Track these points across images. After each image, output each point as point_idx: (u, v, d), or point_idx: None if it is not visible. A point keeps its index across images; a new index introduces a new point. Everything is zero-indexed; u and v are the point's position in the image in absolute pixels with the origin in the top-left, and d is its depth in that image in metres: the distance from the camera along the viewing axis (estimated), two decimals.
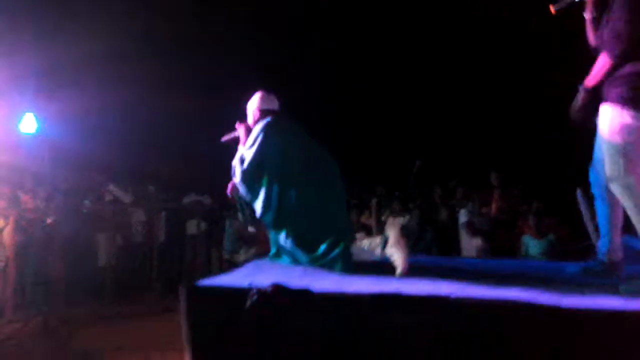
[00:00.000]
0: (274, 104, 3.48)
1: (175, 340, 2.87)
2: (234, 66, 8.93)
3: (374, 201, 7.75)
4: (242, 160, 3.29)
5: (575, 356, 2.02)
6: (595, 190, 2.87)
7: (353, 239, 3.17)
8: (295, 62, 9.23)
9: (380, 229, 3.45)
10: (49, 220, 6.89)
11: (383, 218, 7.07)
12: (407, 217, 6.98)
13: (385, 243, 3.00)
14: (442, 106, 9.07)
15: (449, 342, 2.12)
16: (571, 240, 5.78)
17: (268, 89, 3.56)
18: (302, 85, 9.09)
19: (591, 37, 2.78)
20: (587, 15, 2.79)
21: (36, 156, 8.35)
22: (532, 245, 5.99)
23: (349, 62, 9.29)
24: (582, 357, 2.02)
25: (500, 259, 4.26)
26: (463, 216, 6.46)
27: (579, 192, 4.39)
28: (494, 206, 6.43)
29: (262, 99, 3.46)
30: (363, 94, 9.50)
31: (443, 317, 2.14)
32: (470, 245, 6.27)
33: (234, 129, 3.54)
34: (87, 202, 8.05)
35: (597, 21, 2.73)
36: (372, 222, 7.29)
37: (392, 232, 2.99)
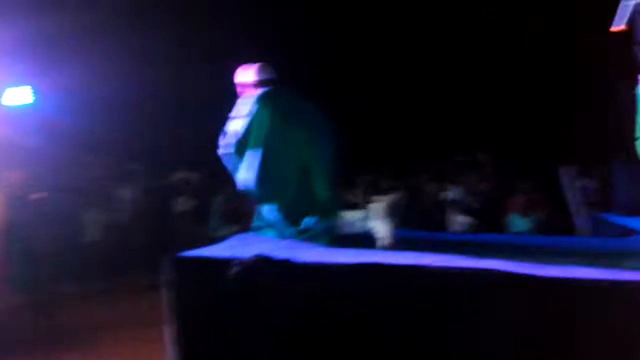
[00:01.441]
0: (270, 74, 3.43)
1: (161, 316, 2.88)
2: (225, 39, 8.81)
3: (362, 179, 7.77)
4: (233, 132, 3.26)
5: (546, 326, 2.06)
6: None
7: (339, 214, 3.18)
8: (289, 36, 9.11)
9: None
10: (36, 196, 6.85)
11: (370, 196, 7.08)
12: (394, 195, 6.99)
13: (369, 216, 3.02)
14: (433, 83, 9.02)
15: (428, 310, 2.15)
16: (556, 218, 5.85)
17: (258, 62, 3.51)
18: (297, 62, 8.99)
19: None
20: None
21: (27, 130, 8.22)
22: (518, 223, 6.05)
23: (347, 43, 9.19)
24: (551, 327, 2.06)
25: (484, 234, 4.30)
26: (451, 194, 6.50)
27: (562, 171, 4.45)
28: (482, 184, 6.47)
29: (258, 70, 3.41)
30: (356, 73, 9.43)
31: (423, 286, 2.16)
32: (457, 223, 6.32)
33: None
34: (73, 179, 7.99)
35: None
36: (360, 200, 7.30)
37: (376, 206, 3.01)
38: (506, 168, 7.04)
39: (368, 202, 3.21)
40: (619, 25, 2.71)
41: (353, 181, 7.67)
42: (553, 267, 2.24)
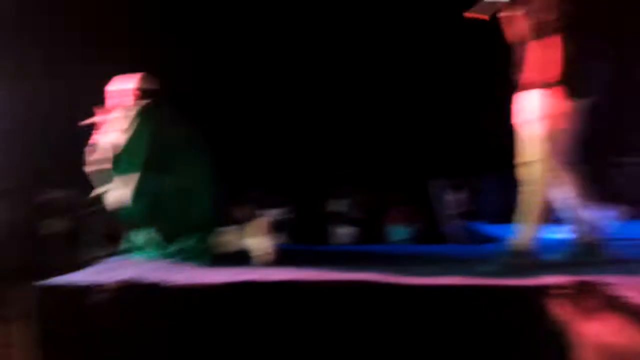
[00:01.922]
0: (154, 85, 3.30)
1: (26, 350, 2.65)
2: (89, 48, 8.38)
3: (251, 195, 7.75)
4: (107, 146, 3.08)
5: (414, 332, 2.17)
6: None
7: (218, 232, 3.14)
8: (170, 49, 8.87)
9: None
10: None
11: (258, 212, 7.11)
12: (276, 211, 7.10)
13: (249, 233, 3.01)
14: (319, 97, 9.22)
15: (305, 326, 2.19)
16: (431, 228, 6.24)
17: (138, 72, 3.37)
18: (180, 77, 8.74)
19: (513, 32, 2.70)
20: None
21: None
22: (397, 233, 6.36)
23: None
24: (423, 333, 2.18)
25: (365, 245, 4.48)
26: (333, 207, 6.70)
27: (431, 183, 4.80)
28: (362, 197, 6.74)
29: (142, 79, 3.27)
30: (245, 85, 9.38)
31: (298, 301, 2.19)
32: (340, 235, 6.52)
33: (93, 113, 3.29)
34: None
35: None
36: (248, 215, 7.27)
37: (253, 223, 3.02)
38: (383, 182, 7.36)
39: (254, 219, 3.22)
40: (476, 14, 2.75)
41: (240, 197, 7.62)
42: (420, 276, 2.36)
